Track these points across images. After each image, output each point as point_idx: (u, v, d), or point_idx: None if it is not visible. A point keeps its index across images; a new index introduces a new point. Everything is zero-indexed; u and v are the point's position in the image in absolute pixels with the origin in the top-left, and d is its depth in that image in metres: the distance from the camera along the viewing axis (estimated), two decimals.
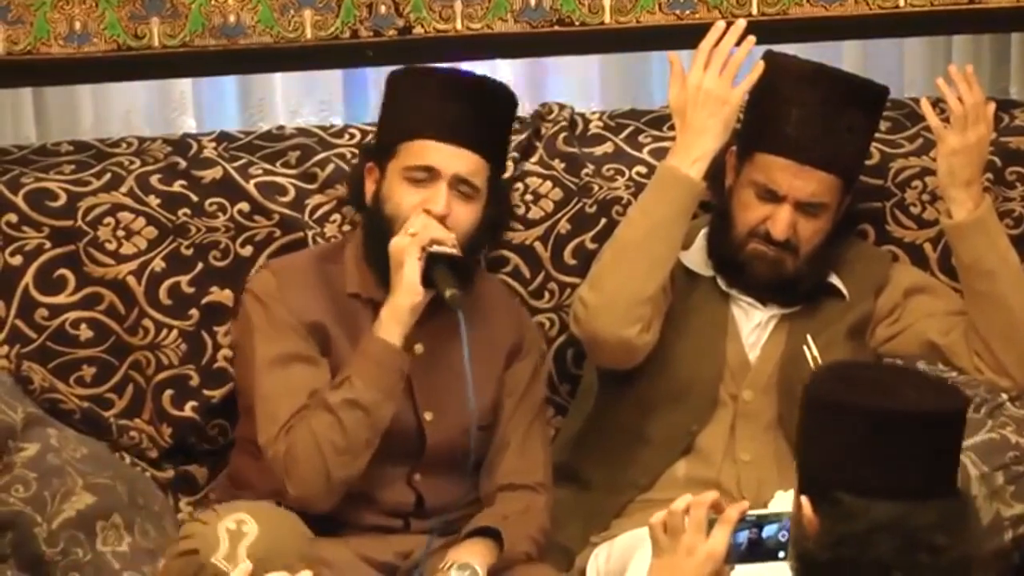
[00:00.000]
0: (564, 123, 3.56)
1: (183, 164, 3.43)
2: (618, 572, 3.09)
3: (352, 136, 3.52)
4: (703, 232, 3.35)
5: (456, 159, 3.09)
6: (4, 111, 3.76)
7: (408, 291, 3.02)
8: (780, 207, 3.24)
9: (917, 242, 3.53)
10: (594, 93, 3.98)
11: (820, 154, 3.23)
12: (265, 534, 2.38)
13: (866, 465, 2.27)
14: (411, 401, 3.12)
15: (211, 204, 3.40)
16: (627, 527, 3.16)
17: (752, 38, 3.24)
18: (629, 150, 3.55)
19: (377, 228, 3.11)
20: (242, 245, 3.40)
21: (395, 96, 3.19)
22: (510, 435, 3.20)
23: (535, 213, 3.48)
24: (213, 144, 3.49)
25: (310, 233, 3.40)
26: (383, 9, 3.48)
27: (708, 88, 3.20)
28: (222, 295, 3.36)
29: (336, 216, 3.41)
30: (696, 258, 3.33)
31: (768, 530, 2.45)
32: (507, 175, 3.46)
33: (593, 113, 3.66)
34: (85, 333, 3.35)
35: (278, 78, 3.89)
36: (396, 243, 3.04)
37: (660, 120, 3.59)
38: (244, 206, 3.41)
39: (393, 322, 3.03)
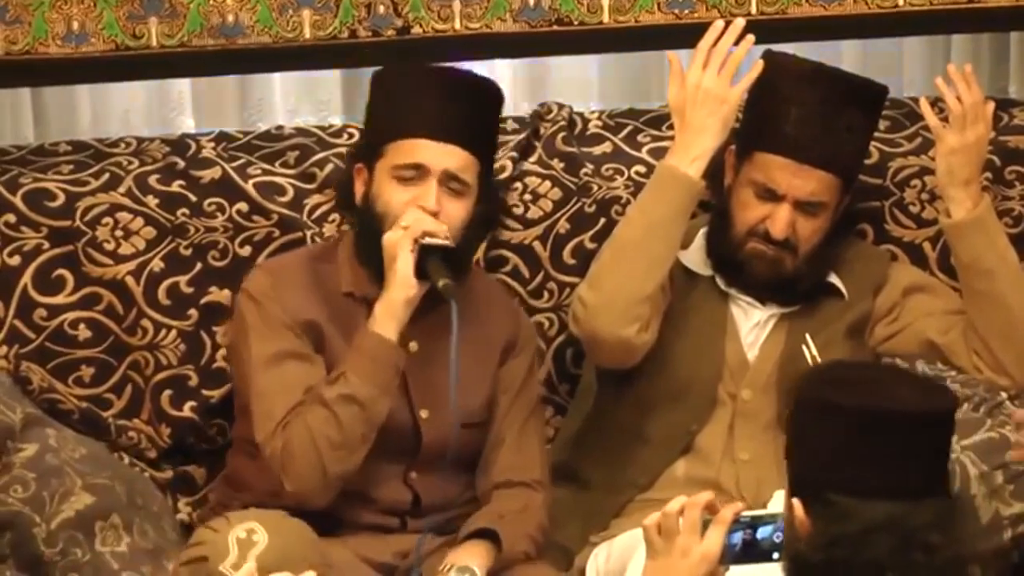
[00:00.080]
0: (563, 123, 3.55)
1: (182, 164, 3.43)
2: (617, 572, 3.09)
3: (351, 136, 3.52)
4: (702, 231, 3.35)
5: (445, 156, 3.09)
6: (2, 111, 3.76)
7: (402, 284, 3.02)
8: (779, 206, 3.24)
9: (916, 241, 3.53)
10: (593, 93, 3.98)
11: (819, 153, 3.23)
12: (275, 543, 2.38)
13: (857, 466, 2.27)
14: (406, 399, 3.12)
15: (210, 204, 3.40)
16: (626, 527, 3.16)
17: (751, 37, 3.24)
18: (628, 149, 3.55)
19: (368, 227, 3.10)
20: (241, 245, 3.40)
21: (380, 95, 3.18)
22: (505, 432, 3.20)
23: (534, 213, 3.48)
24: (212, 144, 3.49)
25: (309, 233, 3.40)
26: (382, 9, 3.48)
27: (707, 87, 3.20)
28: (221, 295, 3.36)
29: (335, 216, 3.41)
30: (695, 257, 3.33)
31: (763, 531, 2.45)
32: (506, 175, 3.47)
33: (592, 113, 3.66)
34: (84, 333, 3.35)
35: (277, 78, 3.88)
36: (388, 237, 3.04)
37: (659, 119, 3.59)
38: (243, 206, 3.41)
39: (388, 317, 3.03)
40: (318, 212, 3.42)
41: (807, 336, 3.26)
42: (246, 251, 3.39)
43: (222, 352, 3.36)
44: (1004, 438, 3.17)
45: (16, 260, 3.34)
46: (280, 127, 3.61)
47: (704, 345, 3.28)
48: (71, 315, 3.35)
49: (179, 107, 3.87)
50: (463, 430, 3.15)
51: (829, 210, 3.28)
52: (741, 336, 3.30)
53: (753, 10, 3.53)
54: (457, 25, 3.50)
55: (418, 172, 3.09)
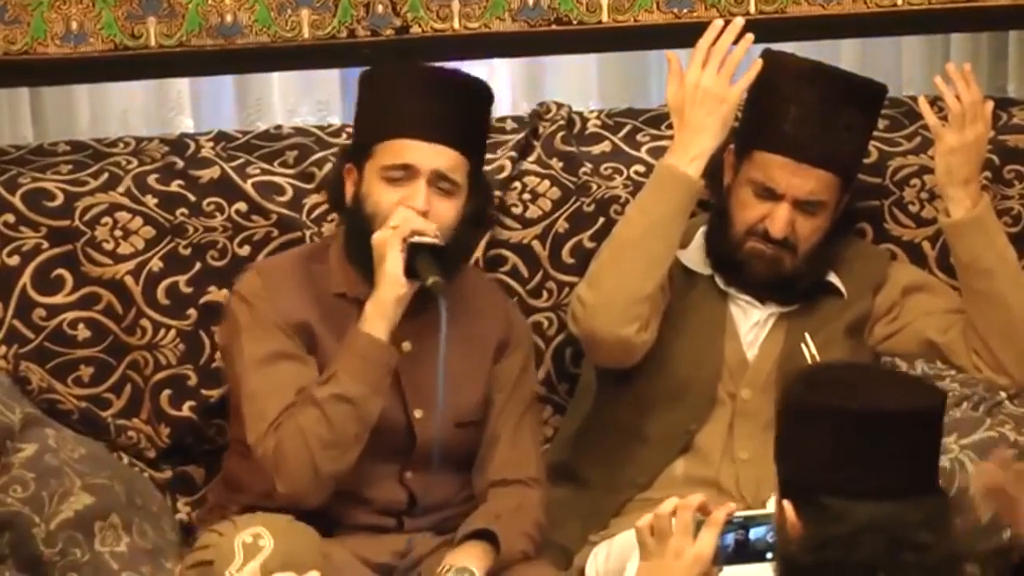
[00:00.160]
0: (562, 122, 3.55)
1: (180, 164, 3.43)
2: (617, 572, 3.09)
3: (350, 136, 3.51)
4: (701, 230, 3.35)
5: (434, 156, 3.08)
6: (1, 111, 3.76)
7: (391, 283, 3.02)
8: (778, 205, 3.24)
9: (915, 240, 3.53)
10: (592, 92, 3.98)
11: (818, 152, 3.23)
12: (280, 548, 2.38)
13: (847, 467, 2.27)
14: (400, 399, 3.12)
15: (209, 204, 3.40)
16: (626, 526, 3.16)
17: (750, 36, 3.24)
18: (627, 149, 3.55)
19: (358, 228, 3.10)
20: (240, 245, 3.40)
21: (368, 96, 3.17)
22: (500, 430, 3.19)
23: (533, 212, 3.48)
24: (211, 144, 3.48)
25: (308, 232, 3.40)
26: (380, 8, 3.48)
27: (706, 86, 3.20)
28: (220, 295, 3.36)
29: (334, 216, 3.41)
30: (694, 256, 3.33)
31: (756, 532, 2.45)
32: (505, 174, 3.47)
33: (591, 112, 3.66)
34: (83, 333, 3.35)
35: (275, 77, 3.88)
36: (378, 237, 3.04)
37: (658, 119, 3.59)
38: (242, 206, 3.41)
39: (378, 316, 3.03)
40: (317, 212, 3.42)
41: (806, 335, 3.26)
42: (245, 251, 3.39)
43: None
44: (1003, 437, 3.18)
45: (15, 260, 3.34)
46: (279, 127, 3.61)
47: (703, 344, 3.28)
48: (70, 315, 3.34)
49: (178, 107, 3.86)
50: (457, 429, 3.14)
51: (828, 209, 3.28)
52: (740, 335, 3.30)
53: (752, 9, 3.54)
54: (456, 24, 3.50)
55: (407, 172, 3.08)
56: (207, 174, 3.43)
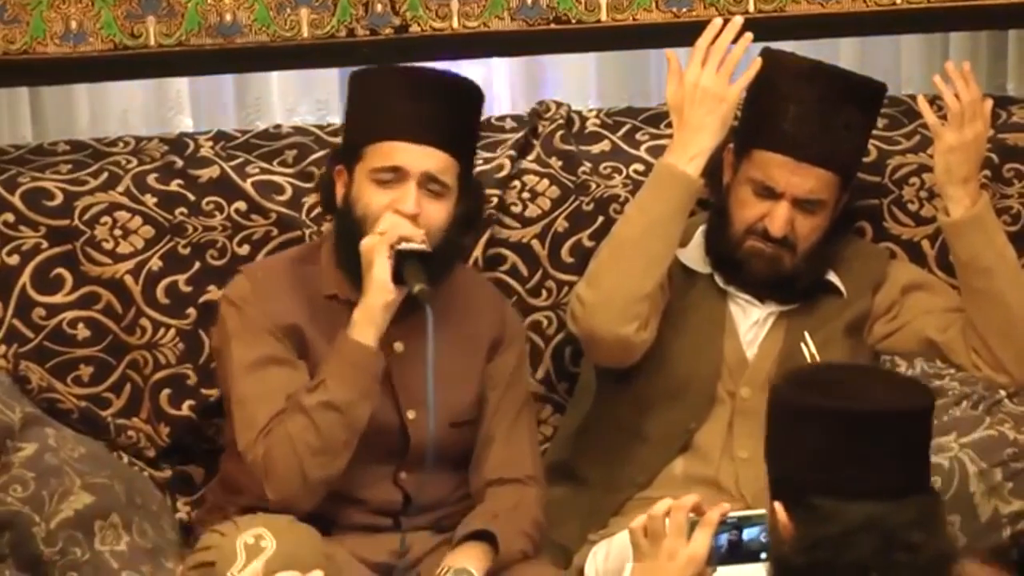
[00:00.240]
0: (561, 121, 3.55)
1: (180, 163, 3.43)
2: (616, 571, 3.09)
3: None
4: (701, 229, 3.35)
5: (423, 158, 3.08)
6: (1, 111, 3.76)
7: (379, 290, 3.02)
8: (778, 204, 3.24)
9: (915, 239, 3.53)
10: (591, 91, 3.98)
11: (817, 151, 3.23)
12: (283, 549, 2.38)
13: (837, 467, 2.27)
14: (393, 400, 3.11)
15: (208, 203, 3.40)
16: (625, 525, 3.13)
17: (749, 35, 3.24)
18: (626, 148, 3.55)
19: (348, 231, 3.10)
20: (239, 244, 3.40)
21: (357, 98, 3.17)
22: (495, 429, 3.19)
23: (532, 211, 3.48)
24: (210, 143, 3.49)
25: (307, 232, 3.40)
26: (379, 7, 3.48)
27: (705, 85, 3.20)
28: (219, 294, 3.36)
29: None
30: (694, 255, 3.33)
31: (750, 532, 2.45)
32: (504, 173, 3.47)
33: (590, 111, 3.66)
34: (82, 332, 3.35)
35: (275, 77, 3.89)
36: (366, 243, 3.04)
37: (657, 118, 3.59)
38: (241, 205, 3.41)
39: (366, 323, 3.02)
40: (316, 211, 3.42)
41: (806, 334, 3.26)
42: (244, 250, 3.40)
43: None
44: (1003, 436, 3.18)
45: (15, 259, 3.34)
46: (278, 126, 3.61)
47: (703, 343, 3.28)
48: (70, 314, 3.35)
49: (177, 106, 3.87)
50: (452, 429, 3.14)
51: (828, 208, 3.28)
52: (740, 334, 3.31)
53: (751, 8, 3.54)
54: (455, 23, 3.50)
55: (397, 175, 3.08)
56: (206, 173, 3.43)
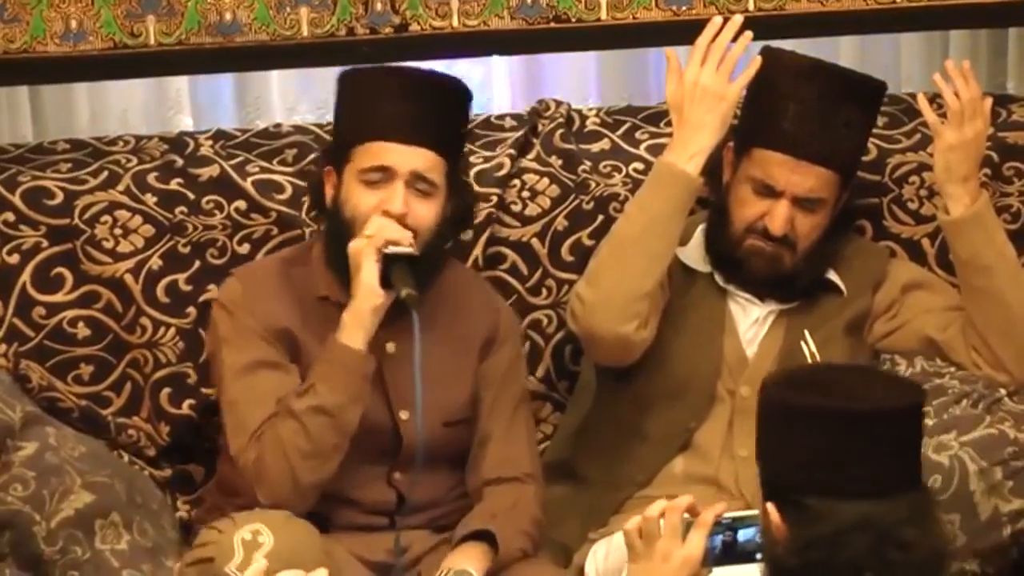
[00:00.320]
0: (561, 120, 3.55)
1: (180, 162, 3.43)
2: (616, 570, 3.09)
3: None
4: (700, 228, 3.35)
5: (411, 157, 3.08)
6: (0, 110, 3.76)
7: (367, 294, 3.01)
8: (778, 203, 3.24)
9: (915, 238, 3.53)
10: (591, 89, 3.98)
11: (817, 149, 3.23)
12: (281, 544, 2.38)
13: (828, 467, 2.27)
14: (385, 401, 3.11)
15: (208, 202, 3.40)
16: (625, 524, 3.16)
17: (749, 33, 3.24)
18: (626, 146, 3.55)
19: (337, 232, 3.09)
20: (239, 243, 3.40)
21: (345, 98, 3.17)
22: (492, 428, 3.19)
23: (532, 210, 3.48)
24: (210, 142, 3.48)
25: (307, 231, 3.40)
26: (379, 6, 3.48)
27: (705, 84, 3.20)
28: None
29: None
30: (693, 254, 3.33)
31: (745, 533, 2.45)
32: (504, 172, 3.47)
33: (590, 109, 3.66)
34: (83, 331, 3.35)
35: (275, 76, 3.89)
36: (353, 246, 3.03)
37: (657, 116, 3.59)
38: (241, 204, 3.41)
39: (355, 326, 3.02)
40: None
41: (806, 333, 3.26)
42: (244, 249, 3.40)
43: None
44: (1003, 434, 3.18)
45: (15, 258, 3.34)
46: (278, 125, 3.61)
47: (703, 342, 3.28)
48: (70, 313, 3.35)
49: (177, 105, 3.87)
50: (446, 428, 3.14)
51: (828, 206, 3.28)
52: (740, 333, 3.31)
53: (751, 6, 3.54)
54: (455, 22, 3.51)
55: (385, 174, 3.08)
56: (206, 172, 3.43)
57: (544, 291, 3.47)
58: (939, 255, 3.50)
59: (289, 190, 3.43)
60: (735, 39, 3.23)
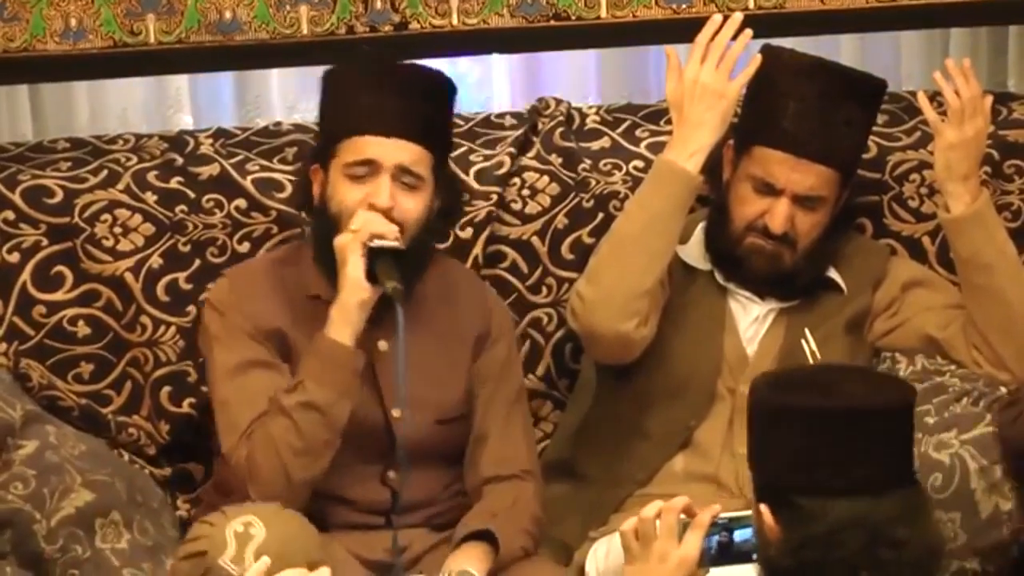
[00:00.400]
0: (561, 118, 3.55)
1: (180, 161, 3.43)
2: (617, 569, 3.08)
3: None
4: (701, 226, 3.35)
5: (395, 150, 3.07)
6: (0, 108, 3.76)
7: (353, 289, 3.01)
8: (778, 201, 3.24)
9: (915, 236, 3.53)
10: (591, 88, 3.98)
11: (817, 147, 3.23)
12: (273, 536, 2.38)
13: (819, 466, 2.27)
14: (378, 399, 3.11)
15: (208, 201, 3.40)
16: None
17: (749, 31, 3.23)
18: (626, 144, 3.55)
19: (325, 229, 3.09)
20: (239, 241, 3.40)
21: (330, 94, 3.17)
22: (488, 425, 3.18)
23: (532, 208, 3.48)
24: (210, 141, 3.48)
25: (307, 229, 3.39)
26: (379, 4, 3.48)
27: (705, 82, 3.20)
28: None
29: None
30: (694, 252, 3.33)
31: (741, 533, 2.45)
32: (504, 170, 3.47)
33: (590, 108, 3.66)
34: (83, 330, 3.35)
35: (274, 74, 3.89)
36: (339, 241, 3.03)
37: (657, 114, 3.58)
38: (241, 202, 3.41)
39: (342, 321, 3.02)
40: None
41: (806, 331, 3.26)
42: (245, 247, 3.40)
43: None
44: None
45: (15, 257, 3.34)
46: (278, 123, 3.61)
47: (703, 340, 3.28)
48: (70, 312, 3.35)
49: (177, 104, 3.87)
50: (439, 426, 3.14)
51: (828, 204, 3.28)
52: (740, 331, 3.30)
53: (751, 4, 3.54)
54: (455, 20, 3.51)
55: (370, 169, 3.08)
56: (206, 171, 3.43)
57: (544, 289, 3.47)
58: (940, 253, 3.50)
59: (289, 188, 3.43)
60: (735, 37, 3.23)
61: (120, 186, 3.39)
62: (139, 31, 3.44)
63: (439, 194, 3.13)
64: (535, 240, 3.47)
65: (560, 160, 3.50)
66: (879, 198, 3.52)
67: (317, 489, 3.05)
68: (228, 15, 3.45)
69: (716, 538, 2.45)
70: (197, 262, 3.38)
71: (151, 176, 3.41)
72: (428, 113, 3.12)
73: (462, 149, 3.48)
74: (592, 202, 3.48)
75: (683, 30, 3.37)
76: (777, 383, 2.37)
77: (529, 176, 3.49)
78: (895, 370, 3.31)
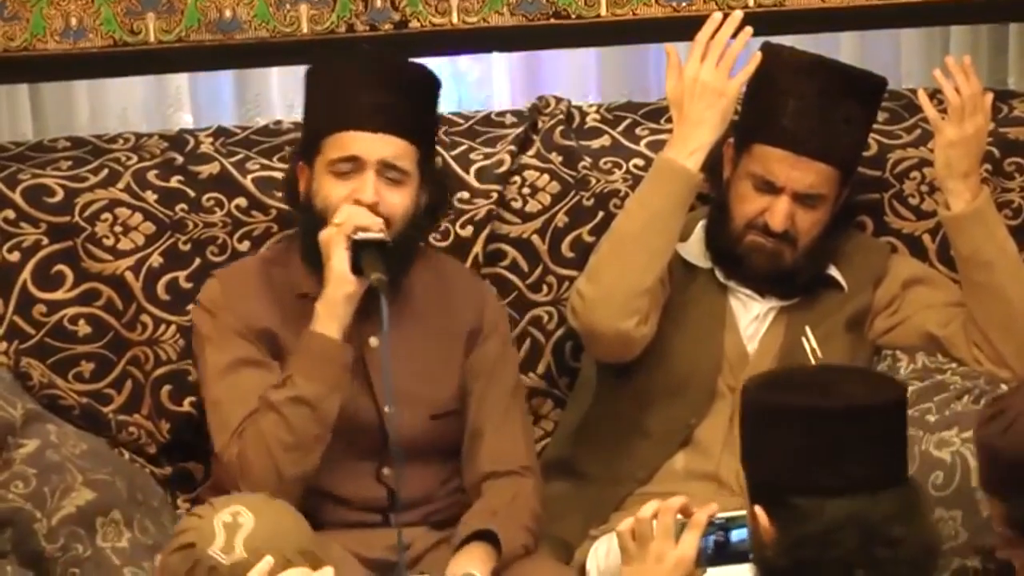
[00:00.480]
0: (561, 116, 3.55)
1: (180, 160, 3.43)
2: (617, 567, 3.07)
3: None
4: (701, 224, 3.35)
5: (379, 145, 3.07)
6: (0, 107, 3.76)
7: (338, 282, 3.01)
8: (778, 199, 3.24)
9: (916, 233, 3.53)
10: (591, 86, 3.98)
11: (817, 145, 3.23)
12: (262, 525, 2.38)
13: (813, 465, 2.27)
14: (370, 395, 3.11)
15: (208, 199, 3.40)
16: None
17: (749, 29, 3.23)
18: (626, 143, 3.55)
19: (311, 225, 3.09)
20: (240, 240, 3.40)
21: (313, 92, 3.16)
22: (484, 421, 3.18)
23: (532, 206, 3.48)
24: (210, 139, 3.48)
25: None
26: (379, 3, 3.48)
27: (705, 80, 3.20)
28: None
29: None
30: (694, 250, 3.33)
31: (738, 533, 2.45)
32: (504, 169, 3.47)
33: (590, 106, 3.66)
34: (83, 329, 3.35)
35: (274, 73, 3.89)
36: (323, 235, 3.04)
37: (657, 112, 3.58)
38: (241, 201, 3.41)
39: (329, 315, 3.02)
40: None
41: (807, 329, 3.27)
42: (245, 246, 3.40)
43: None
44: None
45: (16, 256, 3.34)
46: (278, 122, 3.60)
47: (703, 338, 3.28)
48: (71, 311, 3.35)
49: (177, 103, 3.87)
50: (434, 421, 3.14)
51: (828, 202, 3.28)
52: (740, 329, 3.30)
53: (751, 2, 3.54)
54: (455, 19, 3.51)
55: (354, 164, 3.08)
56: (206, 170, 3.43)
57: (544, 288, 3.47)
58: (940, 251, 3.50)
59: None
60: (735, 35, 3.23)
61: (120, 185, 3.39)
62: (139, 30, 3.44)
63: (425, 188, 3.13)
64: (535, 238, 3.47)
65: (560, 158, 3.50)
66: (879, 196, 3.52)
67: (311, 487, 3.05)
68: (228, 14, 3.45)
69: (712, 538, 2.45)
70: (197, 261, 3.38)
71: (151, 175, 3.41)
72: (411, 107, 3.12)
73: (462, 147, 3.48)
74: (592, 200, 3.48)
75: (683, 28, 3.37)
76: (769, 384, 2.37)
77: (529, 174, 3.49)
78: (896, 368, 3.31)
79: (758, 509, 2.31)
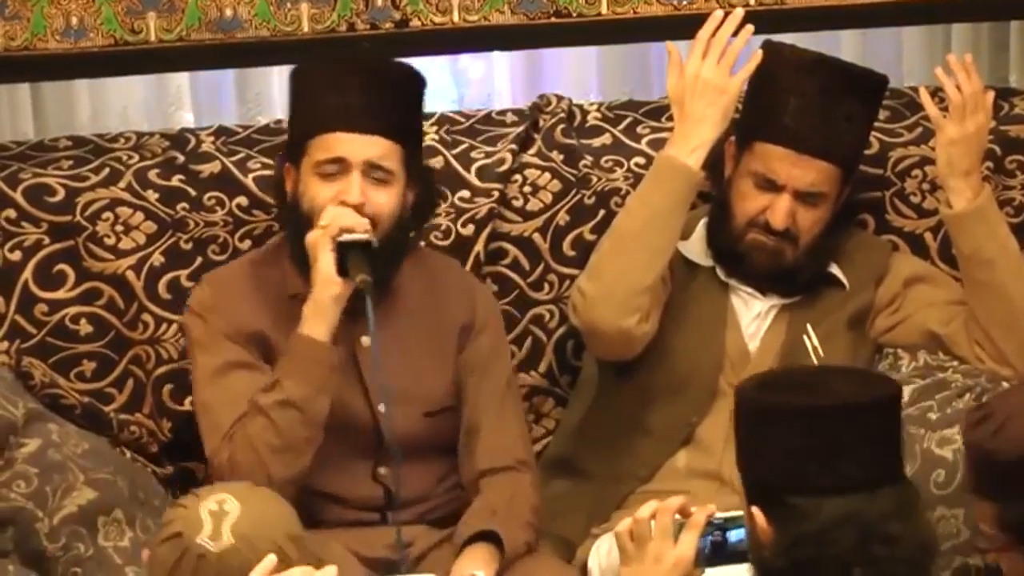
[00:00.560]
0: (562, 115, 3.55)
1: (181, 159, 3.43)
2: (618, 566, 3.08)
3: None
4: (702, 222, 3.34)
5: (364, 146, 3.07)
6: (1, 107, 3.76)
7: (325, 284, 3.01)
8: (779, 197, 3.24)
9: (917, 231, 3.53)
10: (592, 84, 3.98)
11: (818, 143, 3.23)
12: (248, 512, 2.38)
13: (808, 465, 2.27)
14: (364, 395, 3.11)
15: (209, 198, 3.40)
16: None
17: (750, 27, 3.24)
18: (627, 141, 3.55)
19: (298, 227, 3.10)
20: (241, 239, 3.40)
21: (297, 93, 3.17)
22: (480, 417, 3.17)
23: (534, 205, 3.48)
24: (211, 138, 3.48)
25: None
26: (380, 2, 3.48)
27: (706, 77, 3.20)
28: None
29: None
30: (695, 248, 3.33)
31: (736, 533, 2.45)
32: (505, 167, 3.47)
33: (591, 104, 3.66)
34: (85, 328, 3.35)
35: (275, 72, 3.88)
36: (309, 238, 3.04)
37: (658, 111, 3.58)
38: (242, 200, 3.41)
39: (316, 317, 3.02)
40: None
41: (808, 327, 3.26)
42: (246, 245, 3.40)
43: None
44: None
45: (17, 255, 3.34)
46: (279, 121, 3.60)
47: (705, 336, 3.28)
48: (72, 310, 3.35)
49: (178, 102, 3.87)
50: (428, 419, 3.14)
51: (829, 200, 3.28)
52: (742, 327, 3.30)
53: (752, 0, 3.53)
54: (455, 17, 3.51)
55: (340, 166, 3.08)
56: (208, 169, 3.43)
57: (546, 286, 3.47)
58: (941, 249, 3.50)
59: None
60: (736, 33, 3.23)
61: (121, 184, 3.39)
62: (140, 29, 3.44)
63: (412, 187, 3.13)
64: (536, 237, 3.47)
65: (561, 157, 3.50)
66: (881, 194, 3.52)
67: (308, 487, 3.05)
68: (229, 13, 3.45)
69: (710, 538, 2.45)
70: (199, 260, 3.38)
71: (152, 174, 3.41)
72: (396, 107, 3.12)
73: (463, 146, 3.48)
74: (593, 199, 3.48)
75: (684, 26, 3.37)
76: (763, 384, 2.37)
77: (530, 173, 3.49)
78: (897, 366, 3.31)
79: (755, 509, 2.31)
